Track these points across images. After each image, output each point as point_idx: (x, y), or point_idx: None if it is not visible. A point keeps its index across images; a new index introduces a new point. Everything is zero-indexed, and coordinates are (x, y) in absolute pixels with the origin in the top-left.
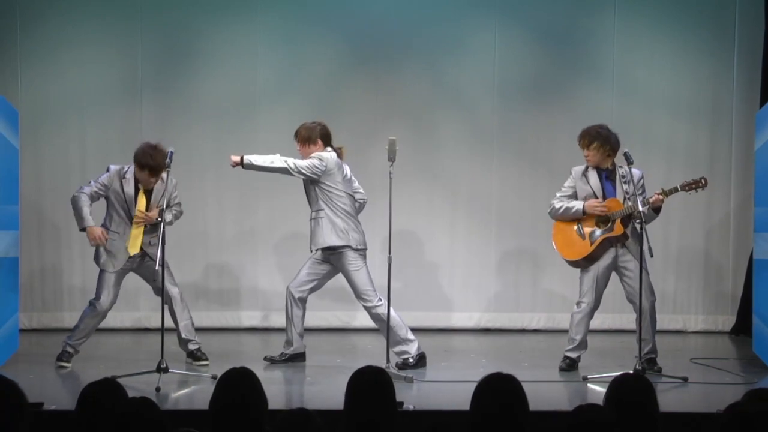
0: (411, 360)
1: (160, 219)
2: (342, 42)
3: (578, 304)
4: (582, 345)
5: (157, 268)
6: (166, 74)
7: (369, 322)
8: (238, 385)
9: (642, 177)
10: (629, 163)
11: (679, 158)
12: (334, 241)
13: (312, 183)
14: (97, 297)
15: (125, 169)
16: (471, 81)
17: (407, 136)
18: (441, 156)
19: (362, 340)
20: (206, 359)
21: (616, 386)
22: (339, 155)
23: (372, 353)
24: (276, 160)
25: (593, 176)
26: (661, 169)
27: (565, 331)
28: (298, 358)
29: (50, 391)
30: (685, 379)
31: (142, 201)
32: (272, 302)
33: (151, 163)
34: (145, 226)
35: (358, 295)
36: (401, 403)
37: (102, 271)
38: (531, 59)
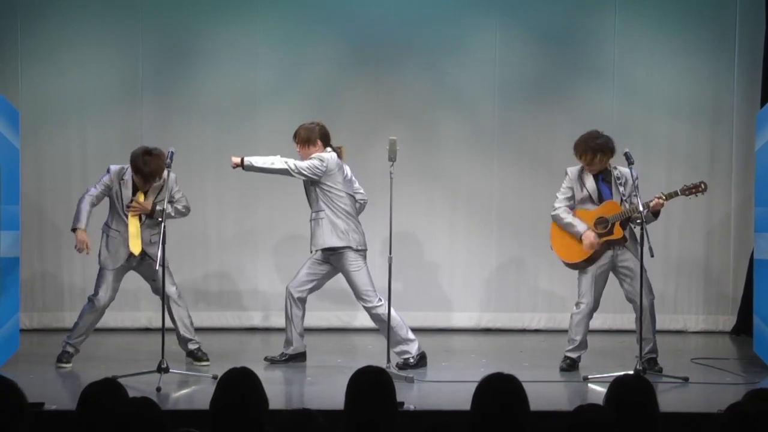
0: (412, 360)
1: (160, 219)
2: (342, 42)
3: (577, 305)
4: (582, 345)
5: (157, 268)
6: (167, 74)
7: (369, 322)
8: (239, 385)
9: (637, 177)
10: (630, 163)
11: (679, 158)
12: (334, 242)
13: (312, 184)
14: (96, 293)
15: (125, 170)
16: (471, 81)
17: (407, 136)
18: (441, 156)
19: (363, 340)
20: (207, 359)
21: (617, 386)
22: (339, 155)
23: (372, 353)
24: (276, 162)
25: (589, 179)
26: (661, 169)
27: (566, 331)
28: (299, 358)
29: (51, 391)
30: (686, 379)
31: (141, 195)
32: (272, 302)
33: (144, 169)
34: (141, 218)
35: (359, 296)
36: (402, 403)
37: (101, 269)
38: (531, 59)
